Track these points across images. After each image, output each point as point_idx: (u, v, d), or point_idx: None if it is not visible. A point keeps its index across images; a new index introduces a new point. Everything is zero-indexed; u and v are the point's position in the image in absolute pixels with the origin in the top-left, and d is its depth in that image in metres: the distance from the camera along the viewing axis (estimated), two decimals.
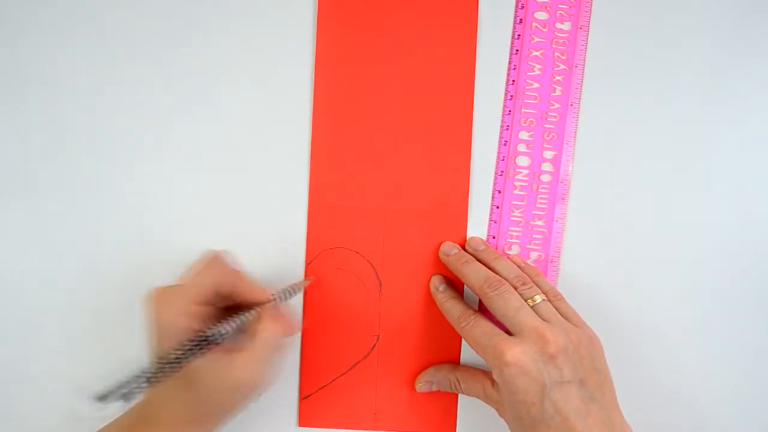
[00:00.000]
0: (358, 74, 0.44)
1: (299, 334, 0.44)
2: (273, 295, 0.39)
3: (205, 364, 0.36)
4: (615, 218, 0.44)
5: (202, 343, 0.35)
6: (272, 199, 0.44)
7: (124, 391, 0.31)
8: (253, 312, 0.38)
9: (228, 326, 0.37)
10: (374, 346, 0.44)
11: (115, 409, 0.35)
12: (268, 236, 0.44)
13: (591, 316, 0.40)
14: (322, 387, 0.44)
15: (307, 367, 0.44)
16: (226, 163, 0.44)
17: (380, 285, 0.44)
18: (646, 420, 0.43)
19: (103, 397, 0.30)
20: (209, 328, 0.36)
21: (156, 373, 0.33)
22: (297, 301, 0.44)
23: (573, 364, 0.36)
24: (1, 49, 0.44)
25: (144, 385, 0.32)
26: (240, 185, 0.44)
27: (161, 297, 0.37)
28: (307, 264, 0.44)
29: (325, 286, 0.44)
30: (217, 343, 0.36)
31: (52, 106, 0.44)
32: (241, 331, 0.38)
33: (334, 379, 0.44)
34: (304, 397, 0.44)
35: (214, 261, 0.39)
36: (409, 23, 0.44)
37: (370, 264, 0.44)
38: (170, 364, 0.34)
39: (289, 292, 0.41)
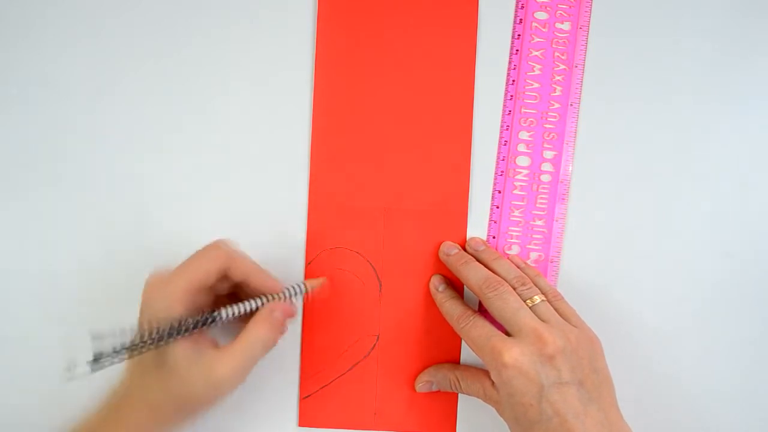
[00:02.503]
0: (358, 75, 0.44)
1: (299, 332, 0.44)
2: (286, 288, 0.39)
3: (187, 353, 0.36)
4: (615, 218, 0.44)
5: (193, 325, 0.35)
6: (272, 199, 0.44)
7: (104, 357, 0.31)
8: (256, 300, 0.38)
9: (226, 311, 0.37)
10: (374, 346, 0.44)
11: (90, 390, 0.36)
12: (268, 236, 0.44)
13: (591, 316, 0.40)
14: (322, 387, 0.44)
15: (307, 367, 0.44)
16: (226, 164, 0.44)
17: (380, 285, 0.44)
18: (646, 420, 0.43)
19: (95, 359, 0.30)
20: (206, 312, 0.36)
21: (135, 347, 0.33)
22: (297, 301, 0.44)
23: (571, 365, 0.36)
24: (1, 49, 0.44)
25: (128, 352, 0.32)
26: (240, 185, 0.44)
27: (154, 283, 0.37)
28: (307, 264, 0.44)
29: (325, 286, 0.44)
30: (213, 324, 0.36)
31: (53, 106, 0.44)
32: (240, 318, 0.38)
33: (334, 379, 0.44)
34: (304, 397, 0.44)
35: (214, 246, 0.38)
36: (409, 24, 0.44)
37: (370, 264, 0.44)
38: (154, 338, 0.34)
39: (301, 289, 0.40)
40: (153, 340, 0.34)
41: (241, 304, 0.38)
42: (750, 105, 0.44)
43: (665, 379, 0.44)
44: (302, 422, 0.44)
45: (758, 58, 0.44)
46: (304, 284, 0.41)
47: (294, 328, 0.44)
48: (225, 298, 0.40)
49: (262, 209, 0.44)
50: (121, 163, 0.44)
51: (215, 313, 0.37)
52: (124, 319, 0.43)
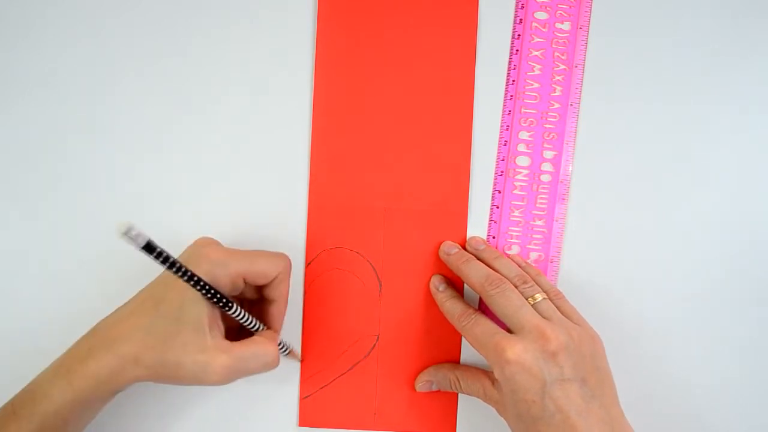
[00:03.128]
0: (358, 75, 0.44)
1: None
2: (282, 340, 0.41)
3: (202, 324, 0.36)
4: (615, 218, 0.44)
5: (215, 293, 0.36)
6: (272, 199, 0.44)
7: (157, 248, 0.31)
8: (262, 328, 0.40)
9: (239, 308, 0.38)
10: (374, 346, 0.44)
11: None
12: (268, 236, 0.44)
13: (591, 316, 0.40)
14: (322, 387, 0.44)
15: (307, 367, 0.44)
16: (226, 164, 0.44)
17: (380, 285, 0.44)
18: (646, 419, 0.43)
19: (149, 246, 0.31)
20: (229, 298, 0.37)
21: (180, 268, 0.33)
22: (297, 301, 0.44)
23: (574, 362, 0.36)
24: (1, 49, 0.44)
25: (167, 262, 0.32)
26: (240, 185, 0.44)
27: (222, 250, 0.38)
28: (307, 264, 0.44)
29: (325, 286, 0.44)
30: (223, 306, 0.37)
31: (52, 106, 0.44)
32: (239, 327, 0.39)
33: (334, 379, 0.44)
34: (304, 397, 0.44)
35: (283, 256, 0.40)
36: (409, 24, 0.44)
37: (370, 264, 0.44)
38: (194, 277, 0.34)
39: (288, 349, 0.42)
40: (185, 273, 0.34)
41: (252, 317, 0.39)
42: (750, 105, 0.44)
43: (665, 378, 0.44)
44: (302, 422, 0.44)
45: (758, 58, 0.44)
46: (293, 349, 0.43)
47: (294, 328, 0.44)
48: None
49: (262, 209, 0.44)
50: (121, 163, 0.44)
51: (232, 303, 0.37)
52: None
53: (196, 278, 0.35)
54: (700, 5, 0.44)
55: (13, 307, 0.44)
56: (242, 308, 0.38)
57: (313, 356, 0.44)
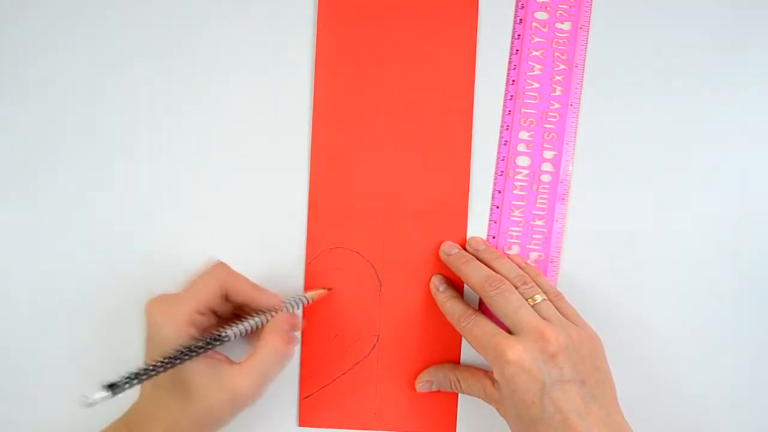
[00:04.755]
0: (358, 74, 0.44)
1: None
2: (284, 301, 0.40)
3: (204, 369, 0.36)
4: (615, 218, 0.44)
5: (204, 345, 0.35)
6: (272, 199, 0.44)
7: (121, 382, 0.31)
8: (260, 317, 0.39)
9: (233, 330, 0.37)
10: (374, 346, 0.44)
11: (106, 413, 0.36)
12: (268, 236, 0.44)
13: (591, 316, 0.40)
14: (322, 387, 0.44)
15: (307, 367, 0.44)
16: (226, 164, 0.44)
17: (380, 285, 0.44)
18: (646, 420, 0.43)
19: (111, 387, 0.31)
20: (214, 332, 0.36)
21: (151, 370, 0.33)
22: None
23: (573, 363, 0.36)
24: (1, 49, 0.44)
25: (138, 380, 0.32)
26: (240, 185, 0.44)
27: (160, 307, 0.37)
28: (307, 264, 0.44)
29: (325, 286, 0.44)
30: (221, 343, 0.36)
31: (52, 106, 0.44)
32: (246, 336, 0.38)
33: (334, 379, 0.44)
34: (304, 397, 0.44)
35: (216, 268, 0.39)
36: (409, 23, 0.44)
37: (370, 264, 0.44)
38: (167, 362, 0.34)
39: (302, 300, 0.41)
40: (164, 364, 0.34)
41: (246, 322, 0.38)
42: (750, 104, 0.44)
43: (665, 379, 0.44)
44: (302, 422, 0.44)
45: (758, 57, 0.44)
46: (305, 296, 0.41)
47: None
48: (227, 319, 0.39)
49: (262, 209, 0.44)
50: (119, 164, 0.44)
51: (223, 333, 0.36)
52: (125, 322, 0.43)
53: (177, 356, 0.34)
54: (700, 5, 0.44)
55: (11, 307, 0.44)
56: (234, 325, 0.37)
57: (313, 356, 0.44)
